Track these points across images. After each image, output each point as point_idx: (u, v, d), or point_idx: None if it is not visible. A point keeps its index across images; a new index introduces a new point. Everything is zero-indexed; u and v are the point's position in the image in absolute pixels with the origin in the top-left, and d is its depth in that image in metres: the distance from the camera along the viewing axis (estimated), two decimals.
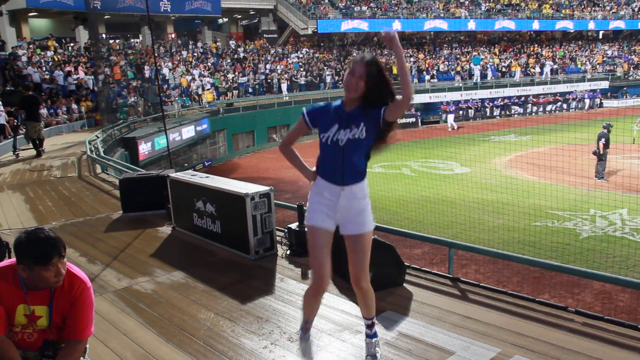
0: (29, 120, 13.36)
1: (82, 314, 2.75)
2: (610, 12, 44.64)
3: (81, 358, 2.86)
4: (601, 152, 16.14)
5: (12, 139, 14.48)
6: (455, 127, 30.54)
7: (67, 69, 23.26)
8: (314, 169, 3.22)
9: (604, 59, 42.34)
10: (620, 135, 17.22)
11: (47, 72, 22.24)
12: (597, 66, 41.26)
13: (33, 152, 13.85)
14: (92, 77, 23.44)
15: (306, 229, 3.33)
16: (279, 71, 32.39)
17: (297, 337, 3.68)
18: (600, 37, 46.83)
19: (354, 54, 36.33)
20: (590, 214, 12.29)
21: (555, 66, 39.93)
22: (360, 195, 3.13)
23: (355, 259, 3.18)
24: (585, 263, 9.03)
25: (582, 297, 7.89)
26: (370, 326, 3.41)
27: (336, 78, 32.96)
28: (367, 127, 3.04)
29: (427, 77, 36.00)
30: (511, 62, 39.51)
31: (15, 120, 15.43)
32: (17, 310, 2.71)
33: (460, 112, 34.24)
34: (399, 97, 3.00)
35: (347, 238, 3.19)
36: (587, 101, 37.12)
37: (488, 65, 38.11)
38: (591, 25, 43.73)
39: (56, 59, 24.07)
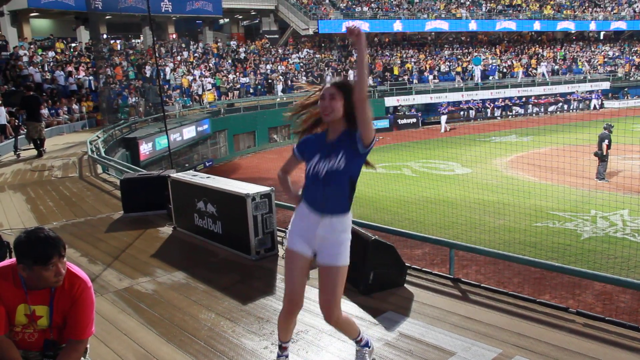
0: (30, 121, 13.37)
1: (83, 314, 2.75)
2: (612, 12, 44.63)
3: (82, 358, 2.86)
4: (604, 154, 16.13)
5: (13, 139, 14.49)
6: (447, 129, 30.32)
7: (68, 69, 23.27)
8: (299, 192, 3.19)
9: (605, 59, 42.32)
10: (622, 136, 17.20)
11: (48, 73, 22.25)
12: (598, 67, 41.23)
13: (34, 152, 13.88)
14: (90, 77, 23.43)
15: (284, 252, 3.29)
16: (280, 72, 32.40)
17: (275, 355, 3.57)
18: (602, 37, 46.82)
19: (355, 54, 36.40)
20: (591, 214, 12.28)
21: (556, 67, 39.87)
22: (339, 229, 3.05)
23: (324, 290, 3.11)
24: (586, 264, 9.02)
25: (583, 298, 7.88)
26: (358, 342, 3.38)
27: (335, 77, 32.97)
28: (346, 157, 2.95)
29: (431, 77, 35.98)
30: (512, 62, 39.47)
31: (17, 121, 15.43)
32: (18, 310, 2.71)
33: (461, 113, 34.24)
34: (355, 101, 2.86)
35: (320, 268, 3.12)
36: (594, 102, 37.12)
37: (491, 66, 38.06)
38: (592, 26, 43.73)
39: (58, 59, 24.08)
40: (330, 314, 3.11)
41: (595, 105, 36.95)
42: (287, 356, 3.40)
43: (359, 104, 2.82)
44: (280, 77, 31.30)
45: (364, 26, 36.77)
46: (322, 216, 3.04)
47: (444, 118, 30.96)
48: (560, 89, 37.25)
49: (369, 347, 3.41)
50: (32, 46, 24.62)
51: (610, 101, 37.85)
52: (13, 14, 25.41)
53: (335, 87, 2.96)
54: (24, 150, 14.18)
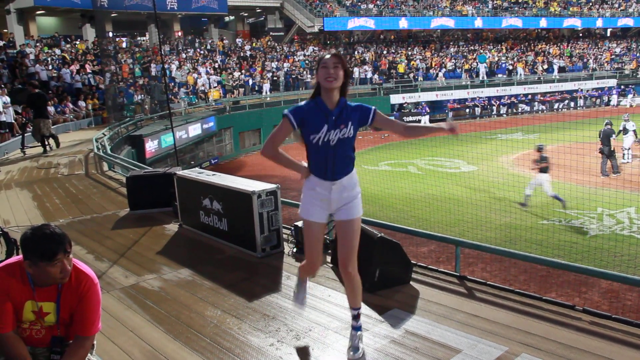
0: (39, 118, 13.44)
1: (90, 311, 2.77)
2: (619, 9, 44.36)
3: (89, 354, 2.88)
4: (612, 149, 16.21)
5: (19, 136, 14.57)
6: None
7: (74, 67, 23.33)
8: (304, 163, 3.36)
9: (612, 56, 42.09)
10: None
11: (54, 70, 22.32)
12: (605, 64, 41.02)
13: (40, 150, 13.96)
14: (91, 75, 23.46)
15: (301, 222, 3.55)
16: (285, 69, 32.37)
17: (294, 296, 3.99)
18: (608, 34, 46.56)
19: (360, 51, 36.34)
20: (597, 212, 12.23)
21: (563, 64, 39.69)
22: (350, 186, 3.34)
23: (344, 243, 3.39)
24: (592, 262, 8.98)
25: (590, 295, 7.86)
26: (356, 317, 3.52)
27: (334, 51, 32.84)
28: (354, 126, 3.27)
29: (440, 74, 35.89)
30: (516, 60, 39.31)
31: (24, 118, 15.49)
32: (25, 306, 2.73)
33: (467, 111, 34.13)
34: (401, 127, 3.49)
35: (338, 224, 3.41)
36: (614, 97, 37.00)
37: (499, 63, 37.91)
38: (599, 23, 43.50)
39: (65, 57, 24.15)
40: (350, 263, 3.37)
41: (616, 102, 36.72)
42: (305, 288, 3.90)
43: (404, 134, 3.49)
44: (268, 76, 31.05)
45: (369, 23, 36.74)
46: (334, 181, 3.30)
47: (425, 118, 30.50)
48: (567, 86, 37.07)
49: (361, 331, 3.57)
50: (38, 44, 24.71)
51: (633, 98, 37.57)
52: (19, 12, 25.51)
53: (337, 57, 3.23)
54: (31, 147, 14.23)
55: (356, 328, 3.52)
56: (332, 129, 3.21)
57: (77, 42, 27.32)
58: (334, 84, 3.18)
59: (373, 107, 3.31)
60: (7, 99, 15.04)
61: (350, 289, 3.48)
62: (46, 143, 14.05)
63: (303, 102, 3.31)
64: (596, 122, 17.37)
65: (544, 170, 12.86)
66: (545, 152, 12.99)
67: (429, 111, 31.93)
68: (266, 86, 30.20)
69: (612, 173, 16.39)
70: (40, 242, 2.57)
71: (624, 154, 18.02)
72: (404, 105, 32.62)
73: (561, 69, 39.06)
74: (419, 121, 29.94)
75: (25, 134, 14.43)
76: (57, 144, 14.34)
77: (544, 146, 13.22)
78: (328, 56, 3.21)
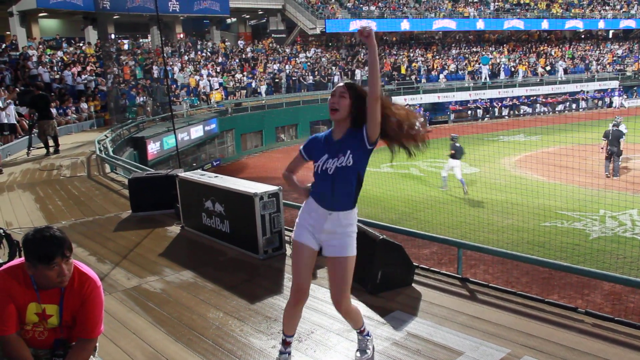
0: (43, 119, 13.47)
1: (92, 313, 2.77)
2: (621, 11, 44.32)
3: (91, 356, 2.88)
4: (621, 150, 16.41)
5: (22, 138, 14.62)
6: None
7: (76, 69, 23.36)
8: (309, 185, 3.30)
9: (614, 58, 42.05)
10: (632, 135, 17.15)
11: (57, 72, 22.37)
12: (607, 66, 40.98)
13: (43, 151, 13.98)
14: (94, 77, 23.50)
15: (291, 243, 3.43)
16: (287, 71, 32.39)
17: (277, 351, 3.61)
18: (610, 36, 46.52)
19: (362, 53, 36.34)
20: (600, 214, 12.21)
21: (566, 65, 39.65)
22: (345, 223, 3.19)
23: (334, 281, 3.25)
24: (594, 264, 8.98)
25: (592, 298, 7.84)
26: (361, 332, 3.51)
27: (344, 78, 32.92)
28: (353, 154, 3.09)
29: (442, 76, 35.87)
30: (518, 61, 39.29)
31: (30, 120, 15.51)
32: (29, 308, 2.73)
33: (469, 112, 34.10)
34: (370, 100, 2.99)
35: (328, 260, 3.26)
36: (616, 99, 36.94)
37: (501, 65, 37.89)
38: (601, 25, 43.42)
39: (66, 60, 24.20)
40: (341, 303, 3.26)
41: (620, 103, 36.69)
42: (289, 353, 3.44)
43: (372, 102, 2.97)
44: (265, 77, 30.97)
45: (371, 25, 36.69)
46: (330, 211, 3.17)
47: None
48: (569, 87, 37.04)
49: (370, 336, 3.53)
50: (40, 46, 24.76)
51: (633, 100, 37.54)
52: (22, 14, 25.55)
53: (346, 86, 3.10)
54: (38, 148, 14.29)
55: (364, 335, 3.51)
56: (331, 157, 3.12)
57: (82, 44, 27.33)
58: (335, 115, 3.10)
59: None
60: (10, 100, 15.05)
61: (348, 321, 3.44)
62: (52, 144, 14.10)
63: (320, 133, 3.30)
64: (598, 124, 17.39)
65: (454, 156, 15.42)
66: (458, 142, 15.62)
67: (426, 116, 31.76)
68: (263, 87, 29.96)
69: (612, 176, 16.38)
70: (39, 245, 2.57)
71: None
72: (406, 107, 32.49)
73: (563, 71, 39.04)
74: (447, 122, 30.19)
75: (32, 135, 14.46)
76: (54, 148, 14.20)
77: (457, 137, 15.93)
78: (340, 84, 3.13)
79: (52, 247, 2.57)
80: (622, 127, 17.13)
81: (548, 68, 39.28)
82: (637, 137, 16.23)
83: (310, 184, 3.29)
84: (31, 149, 14.11)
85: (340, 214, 3.17)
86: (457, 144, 15.53)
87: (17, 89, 17.55)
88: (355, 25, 36.02)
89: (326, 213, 3.17)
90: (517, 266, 8.59)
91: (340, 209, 3.16)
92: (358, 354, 3.51)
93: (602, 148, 16.96)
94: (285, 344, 3.44)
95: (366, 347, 3.51)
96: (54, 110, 17.65)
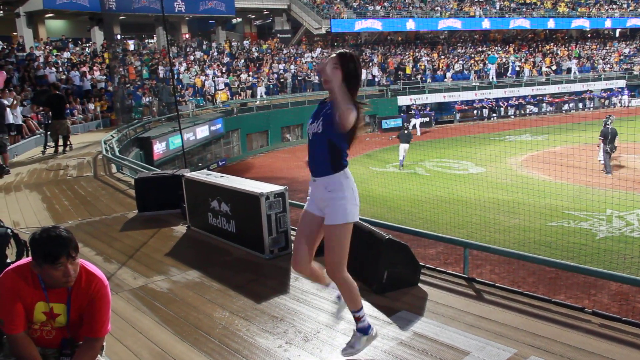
0: (57, 119, 13.78)
1: (100, 312, 2.78)
2: (628, 9, 44.10)
3: (98, 355, 2.89)
4: (615, 148, 16.68)
5: (28, 139, 14.73)
6: (419, 133, 29.05)
7: (83, 69, 23.47)
8: None
9: (621, 57, 41.84)
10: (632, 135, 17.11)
11: (63, 73, 22.46)
12: (614, 65, 40.77)
13: (52, 150, 14.21)
14: (104, 77, 23.61)
15: None
16: (292, 71, 32.40)
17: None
18: (617, 35, 46.29)
19: (367, 53, 36.33)
20: (606, 214, 12.15)
21: (573, 64, 39.48)
22: (330, 189, 3.23)
23: (326, 247, 3.30)
24: (601, 264, 8.93)
25: (599, 298, 7.81)
26: (356, 320, 3.44)
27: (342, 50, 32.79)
28: (324, 122, 3.17)
29: (448, 75, 35.81)
30: (524, 61, 39.16)
31: (43, 119, 15.66)
32: (36, 307, 2.74)
33: (475, 112, 34.02)
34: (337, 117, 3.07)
35: (323, 226, 3.33)
36: (624, 98, 36.81)
37: (509, 64, 37.76)
38: (608, 24, 43.26)
39: (73, 60, 24.31)
40: (332, 271, 3.30)
41: (626, 102, 36.54)
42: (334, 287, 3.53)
43: (340, 126, 3.05)
44: (264, 79, 30.91)
45: (377, 25, 36.74)
46: (314, 178, 3.30)
47: (417, 122, 30.29)
48: (575, 87, 36.88)
49: (367, 334, 3.44)
50: (47, 47, 24.87)
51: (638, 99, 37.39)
52: (29, 15, 25.70)
53: (339, 57, 3.17)
54: (52, 147, 14.45)
55: (360, 329, 3.44)
56: (313, 122, 3.26)
57: (89, 45, 27.45)
58: (327, 85, 3.14)
59: None
60: (16, 101, 15.16)
61: (342, 294, 3.43)
62: (61, 144, 14.37)
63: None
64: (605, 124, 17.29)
65: (403, 141, 19.52)
66: (406, 130, 20.36)
67: (419, 114, 31.61)
68: (261, 89, 29.68)
69: (605, 173, 16.65)
70: (44, 244, 2.58)
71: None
72: (411, 107, 32.40)
73: (569, 70, 38.90)
74: (413, 126, 29.97)
75: (48, 133, 14.66)
76: (65, 148, 14.49)
77: (407, 124, 21.98)
78: (333, 55, 3.20)
79: (58, 247, 2.58)
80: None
81: (554, 67, 39.11)
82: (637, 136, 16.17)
83: None
84: (47, 147, 14.37)
85: (322, 180, 3.24)
86: (405, 131, 20.12)
87: (26, 89, 17.67)
88: (360, 25, 36.02)
89: (312, 180, 3.31)
90: (523, 266, 8.56)
91: (320, 175, 3.24)
92: (344, 348, 3.48)
93: (598, 146, 17.05)
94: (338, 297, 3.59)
95: (353, 345, 3.45)
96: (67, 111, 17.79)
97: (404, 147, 19.50)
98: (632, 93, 37.39)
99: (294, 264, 3.45)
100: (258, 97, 29.25)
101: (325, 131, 3.17)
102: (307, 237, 3.39)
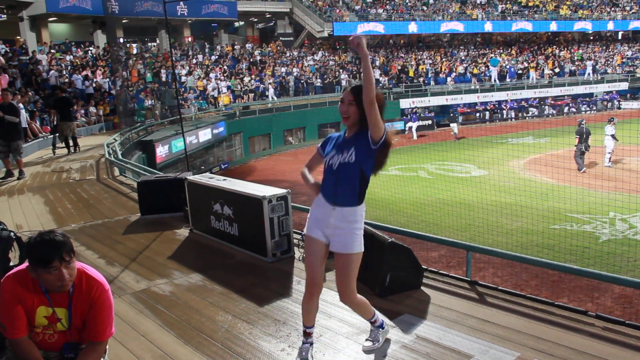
0: (64, 121, 14.24)
1: (102, 316, 2.78)
2: (630, 12, 44.05)
3: (101, 359, 2.89)
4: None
5: (31, 142, 14.81)
6: (415, 137, 29.26)
7: (85, 72, 23.53)
8: (320, 182, 3.43)
9: (623, 60, 41.78)
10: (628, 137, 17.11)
11: (66, 76, 22.52)
12: (617, 67, 40.71)
13: (65, 150, 14.66)
14: (108, 79, 23.67)
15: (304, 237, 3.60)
16: (295, 74, 32.43)
17: (298, 344, 3.74)
18: (620, 37, 46.24)
19: (369, 56, 36.33)
20: (609, 217, 12.13)
21: (589, 66, 39.36)
22: (350, 219, 3.30)
23: (338, 274, 3.39)
24: (605, 267, 8.92)
25: (602, 301, 7.79)
26: (373, 323, 3.69)
27: (351, 81, 32.89)
28: (356, 151, 3.21)
29: (449, 79, 35.79)
30: (529, 64, 39.13)
31: (52, 121, 15.82)
32: (38, 311, 2.75)
33: (477, 115, 33.99)
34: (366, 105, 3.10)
35: (334, 255, 3.38)
36: (615, 102, 36.80)
37: (508, 67, 37.76)
38: (610, 26, 43.20)
39: (75, 63, 24.36)
40: (345, 295, 3.41)
41: (615, 106, 36.54)
42: (311, 343, 3.57)
43: (367, 106, 3.08)
44: (273, 81, 30.97)
45: (379, 28, 36.76)
46: (334, 206, 3.29)
47: (414, 125, 30.32)
48: (577, 89, 36.83)
49: (383, 329, 3.71)
50: (51, 50, 24.95)
51: (629, 102, 37.32)
52: (32, 18, 25.80)
53: (352, 92, 3.21)
54: (61, 148, 14.71)
55: (377, 326, 3.68)
56: (337, 154, 3.28)
57: (91, 48, 27.52)
58: (346, 122, 3.26)
59: None
60: (21, 104, 15.24)
61: (356, 311, 3.64)
62: (70, 144, 14.77)
63: (338, 132, 3.46)
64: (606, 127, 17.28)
65: None
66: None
67: (415, 117, 31.56)
68: (271, 91, 29.95)
69: (578, 170, 17.29)
70: (37, 248, 2.58)
71: (609, 158, 18.28)
72: (414, 109, 32.35)
73: (572, 73, 38.85)
74: (409, 129, 30.20)
75: (56, 134, 14.89)
76: (71, 149, 14.82)
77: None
78: (348, 90, 3.24)
79: (50, 251, 2.57)
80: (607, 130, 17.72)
81: (557, 70, 39.08)
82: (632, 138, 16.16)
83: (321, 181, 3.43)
84: (57, 147, 14.67)
85: (344, 209, 3.28)
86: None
87: (28, 93, 17.77)
88: (362, 28, 36.03)
89: (330, 208, 3.30)
90: (526, 269, 8.55)
91: (344, 205, 3.27)
92: (366, 343, 3.66)
93: (575, 145, 17.23)
94: (306, 334, 3.56)
95: (375, 339, 3.66)
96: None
97: None
98: (619, 96, 37.26)
99: (315, 287, 3.42)
100: (269, 99, 29.34)
101: (359, 160, 3.21)
102: (320, 265, 3.43)
